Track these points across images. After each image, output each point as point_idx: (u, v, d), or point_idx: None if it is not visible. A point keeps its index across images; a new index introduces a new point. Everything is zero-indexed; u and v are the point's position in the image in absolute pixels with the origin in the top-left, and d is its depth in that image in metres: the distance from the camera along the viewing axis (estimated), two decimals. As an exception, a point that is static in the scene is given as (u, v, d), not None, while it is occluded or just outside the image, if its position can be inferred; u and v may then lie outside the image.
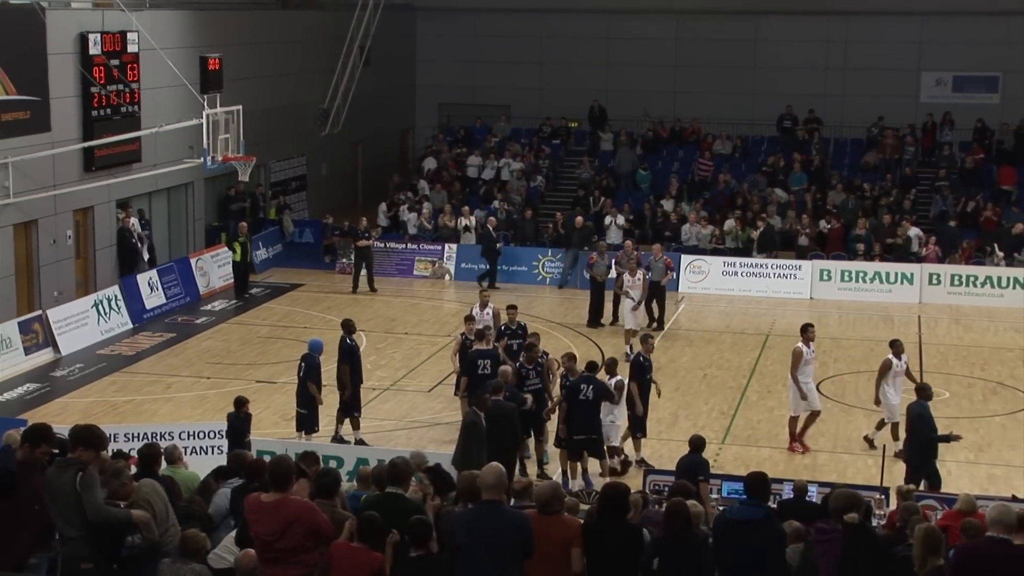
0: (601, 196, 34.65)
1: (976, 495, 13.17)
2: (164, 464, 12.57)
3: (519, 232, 32.84)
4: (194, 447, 16.76)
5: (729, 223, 31.75)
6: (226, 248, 30.02)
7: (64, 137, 25.84)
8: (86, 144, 26.29)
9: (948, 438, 17.08)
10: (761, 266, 30.37)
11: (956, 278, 29.62)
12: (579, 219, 31.09)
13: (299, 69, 35.92)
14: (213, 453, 16.67)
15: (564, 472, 17.71)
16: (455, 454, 15.79)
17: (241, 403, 17.11)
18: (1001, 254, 29.79)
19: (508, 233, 32.43)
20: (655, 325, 26.27)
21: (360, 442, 18.82)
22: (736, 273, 30.38)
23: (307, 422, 18.77)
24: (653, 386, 18.88)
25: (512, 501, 9.88)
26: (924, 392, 17.13)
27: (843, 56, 40.03)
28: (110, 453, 11.93)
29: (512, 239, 32.38)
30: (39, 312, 24.50)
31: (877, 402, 19.19)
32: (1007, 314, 28.38)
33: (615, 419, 18.14)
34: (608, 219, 32.34)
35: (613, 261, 26.97)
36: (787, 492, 14.15)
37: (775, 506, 12.47)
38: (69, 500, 9.07)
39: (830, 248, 31.51)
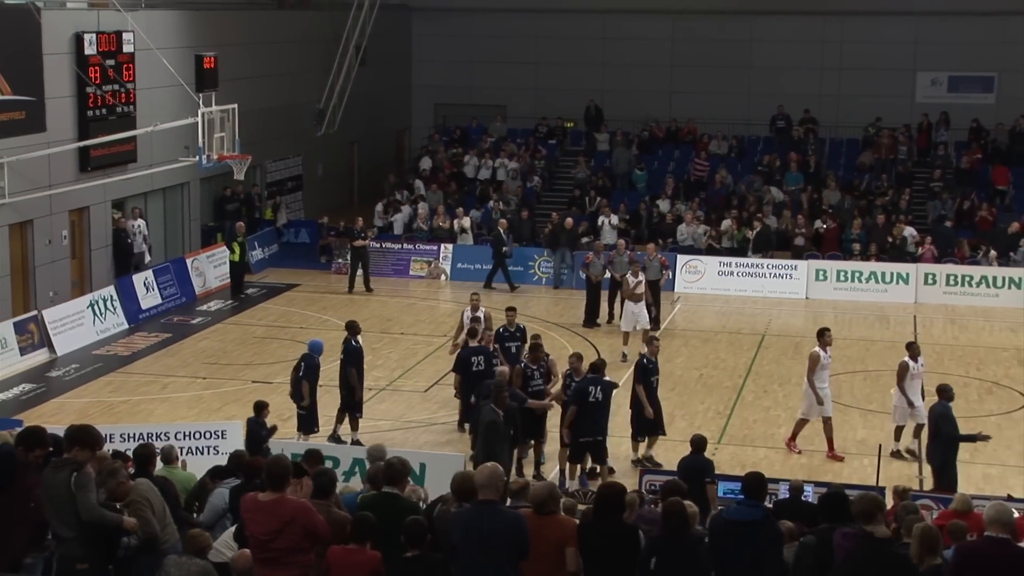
0: (597, 196, 34.66)
1: (972, 495, 13.20)
2: (160, 464, 12.58)
3: (515, 232, 32.81)
4: (190, 447, 16.74)
5: (726, 223, 31.77)
6: (222, 248, 29.99)
7: (59, 137, 25.81)
8: (82, 144, 26.27)
9: (975, 438, 16.97)
10: (757, 266, 30.37)
11: (952, 278, 29.66)
12: (569, 220, 31.07)
13: (295, 69, 35.90)
14: (209, 453, 16.65)
15: (562, 471, 17.70)
16: (477, 453, 15.72)
17: (261, 408, 16.67)
18: (994, 254, 29.84)
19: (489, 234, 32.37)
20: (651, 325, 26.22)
21: (356, 443, 18.81)
22: (732, 273, 30.38)
23: (306, 422, 18.77)
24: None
25: (509, 502, 9.87)
26: (946, 393, 16.94)
27: (839, 56, 40.07)
28: (108, 453, 11.92)
29: (493, 240, 32.30)
30: (35, 312, 24.47)
31: (911, 404, 18.71)
32: (1002, 314, 28.41)
33: None
34: (602, 219, 32.35)
35: (606, 261, 26.97)
36: (783, 492, 14.16)
37: (771, 506, 12.48)
38: (64, 500, 9.07)
39: (826, 248, 31.53)
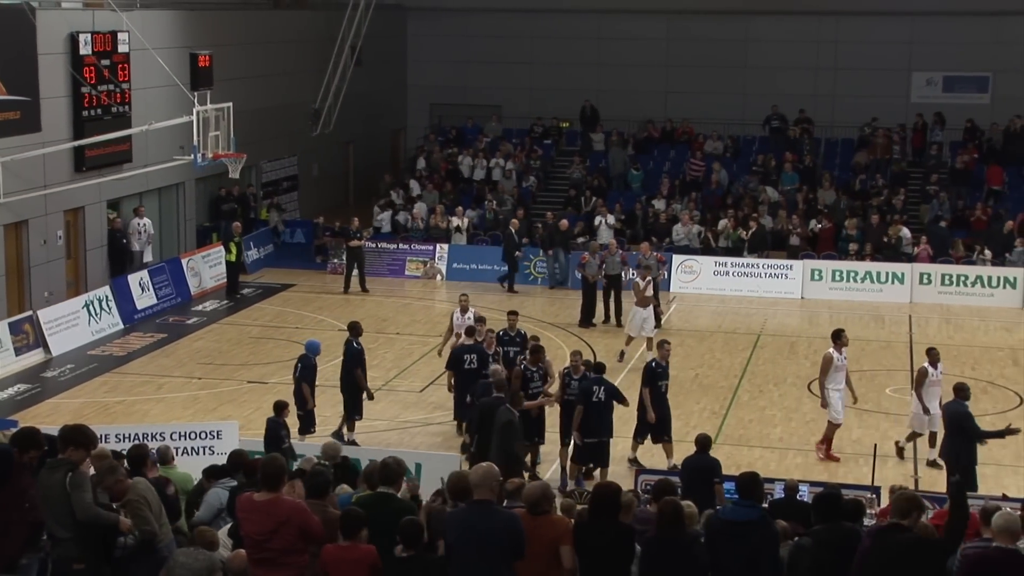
0: (593, 196, 34.65)
1: (969, 494, 13.17)
2: (158, 466, 12.59)
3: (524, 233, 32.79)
4: (186, 448, 16.71)
5: (723, 223, 31.79)
6: (217, 248, 29.97)
7: (54, 137, 25.79)
8: (77, 144, 26.24)
9: (1003, 433, 16.80)
10: (752, 266, 30.40)
11: (947, 278, 29.68)
12: (564, 222, 31.05)
13: (290, 69, 35.88)
14: (205, 454, 16.61)
15: (563, 468, 17.70)
16: (492, 453, 15.70)
17: (281, 408, 16.49)
18: (989, 253, 29.86)
19: (500, 233, 32.36)
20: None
21: (352, 443, 18.80)
22: (727, 273, 30.40)
23: (305, 423, 18.76)
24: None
25: (505, 502, 9.87)
26: (962, 392, 16.74)
27: (834, 56, 40.09)
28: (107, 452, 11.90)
29: (504, 239, 32.30)
30: (30, 312, 24.45)
31: (926, 411, 18.42)
32: (997, 313, 28.46)
33: None
34: (598, 219, 32.35)
35: (600, 261, 26.92)
36: (778, 492, 14.16)
37: (766, 506, 12.47)
38: (60, 500, 9.06)
39: (821, 248, 31.55)
